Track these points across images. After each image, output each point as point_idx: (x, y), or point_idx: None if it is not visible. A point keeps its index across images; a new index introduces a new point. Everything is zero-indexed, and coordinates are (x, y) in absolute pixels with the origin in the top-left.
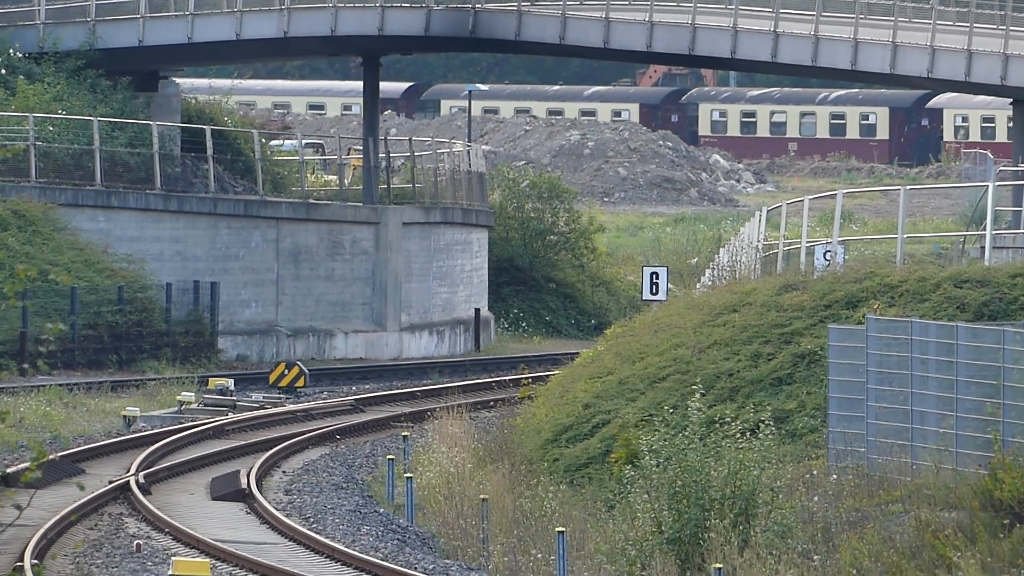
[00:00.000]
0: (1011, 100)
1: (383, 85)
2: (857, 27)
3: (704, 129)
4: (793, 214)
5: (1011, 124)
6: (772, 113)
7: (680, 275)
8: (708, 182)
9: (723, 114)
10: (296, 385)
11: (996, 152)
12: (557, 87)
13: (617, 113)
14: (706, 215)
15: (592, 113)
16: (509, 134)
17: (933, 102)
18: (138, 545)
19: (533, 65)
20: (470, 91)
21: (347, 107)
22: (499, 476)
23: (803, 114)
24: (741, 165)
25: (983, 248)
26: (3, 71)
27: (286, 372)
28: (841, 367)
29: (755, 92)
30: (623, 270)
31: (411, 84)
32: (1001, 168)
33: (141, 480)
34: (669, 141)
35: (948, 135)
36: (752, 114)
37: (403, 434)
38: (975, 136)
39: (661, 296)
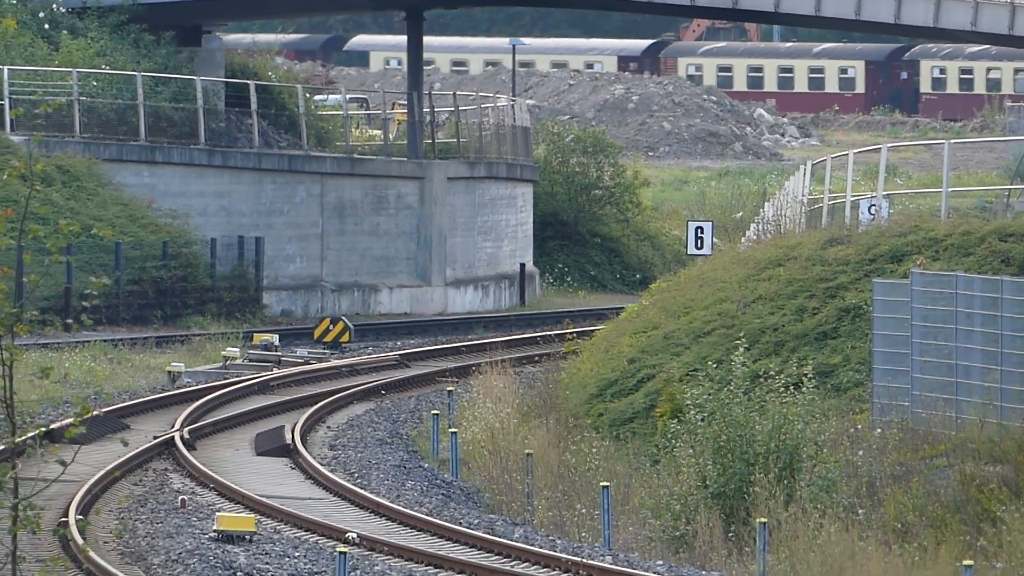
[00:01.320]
0: None
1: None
2: None
3: (925, 86)
4: (838, 168)
5: None
6: (988, 70)
7: (725, 229)
8: (753, 136)
9: (943, 71)
10: (341, 340)
11: None
12: (789, 44)
13: (844, 71)
14: (751, 169)
15: (820, 71)
16: (553, 88)
17: None
18: (183, 500)
19: (576, 19)
20: (514, 45)
21: (590, 64)
22: (544, 431)
23: (1017, 70)
24: (785, 119)
25: None
26: (47, 26)
27: (331, 327)
28: (886, 321)
29: (974, 48)
30: (668, 224)
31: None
32: None
33: (186, 435)
34: (713, 95)
35: None
36: (969, 71)
37: (448, 389)
38: None
39: (706, 250)
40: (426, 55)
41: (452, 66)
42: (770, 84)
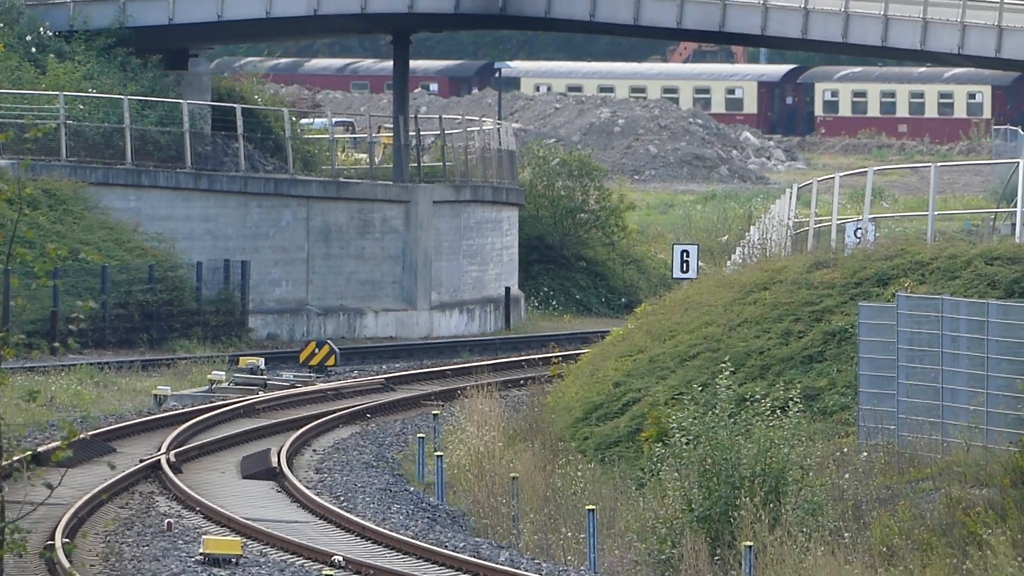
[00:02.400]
0: None
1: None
2: (888, 3)
3: None
4: (824, 191)
5: None
6: None
7: (710, 253)
8: (738, 159)
9: None
10: (327, 364)
11: None
12: (922, 69)
13: (972, 95)
14: (736, 192)
15: (949, 96)
16: (539, 112)
17: None
18: (169, 524)
19: (562, 43)
20: (496, 68)
21: (731, 90)
22: (529, 454)
23: None
24: (771, 142)
25: (1014, 225)
26: (33, 50)
27: (316, 351)
28: (872, 345)
29: None
30: (653, 248)
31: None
32: None
33: (172, 459)
34: (699, 118)
35: None
36: None
37: (433, 412)
38: None
39: (691, 274)
40: (582, 81)
41: (599, 91)
42: (902, 109)
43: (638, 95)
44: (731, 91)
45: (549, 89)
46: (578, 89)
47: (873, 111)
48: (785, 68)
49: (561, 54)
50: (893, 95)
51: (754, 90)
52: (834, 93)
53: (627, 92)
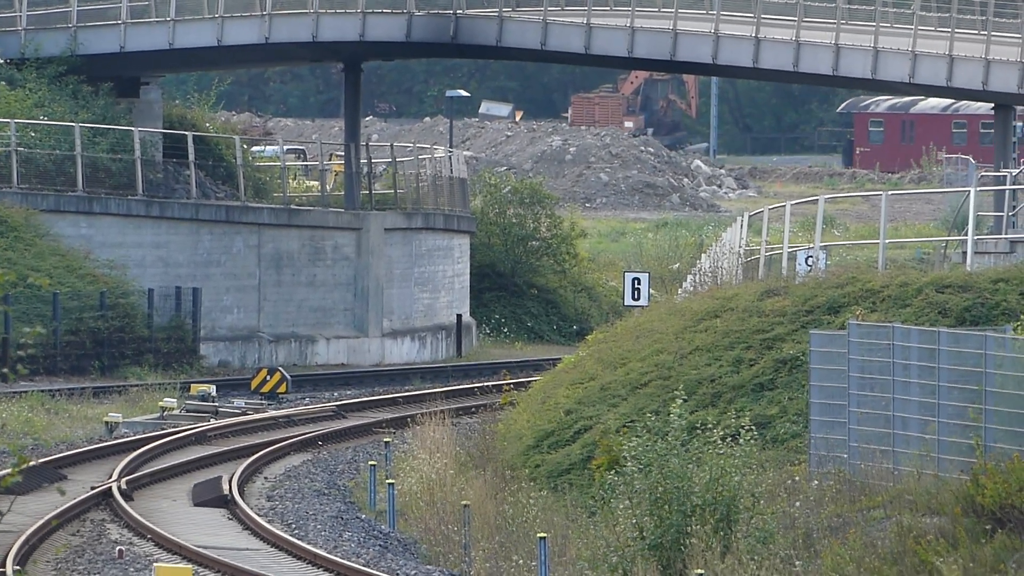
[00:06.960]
0: (992, 105)
1: None
2: (839, 32)
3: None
4: (775, 219)
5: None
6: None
7: (662, 281)
8: (690, 187)
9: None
10: (278, 391)
11: None
12: None
13: None
14: (688, 220)
15: None
16: (491, 140)
17: None
18: (120, 551)
19: (514, 70)
20: (443, 94)
21: None
22: (481, 482)
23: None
24: (723, 170)
25: (965, 253)
26: None
27: (268, 378)
28: (823, 373)
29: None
30: (605, 276)
31: None
32: (983, 173)
33: (123, 486)
34: (651, 146)
35: None
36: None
37: (385, 440)
38: None
39: (643, 302)
40: None
41: None
42: None
43: None
44: None
45: None
46: None
47: None
48: None
49: (512, 82)
50: None
51: None
52: None
53: None
